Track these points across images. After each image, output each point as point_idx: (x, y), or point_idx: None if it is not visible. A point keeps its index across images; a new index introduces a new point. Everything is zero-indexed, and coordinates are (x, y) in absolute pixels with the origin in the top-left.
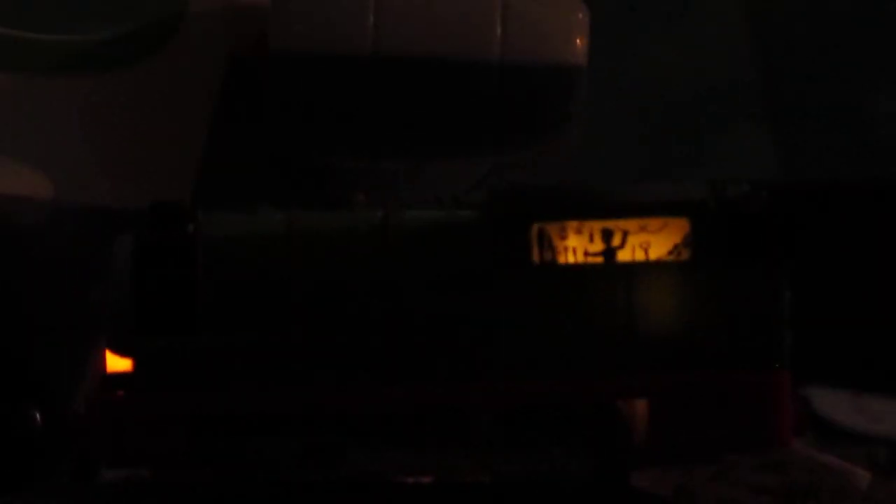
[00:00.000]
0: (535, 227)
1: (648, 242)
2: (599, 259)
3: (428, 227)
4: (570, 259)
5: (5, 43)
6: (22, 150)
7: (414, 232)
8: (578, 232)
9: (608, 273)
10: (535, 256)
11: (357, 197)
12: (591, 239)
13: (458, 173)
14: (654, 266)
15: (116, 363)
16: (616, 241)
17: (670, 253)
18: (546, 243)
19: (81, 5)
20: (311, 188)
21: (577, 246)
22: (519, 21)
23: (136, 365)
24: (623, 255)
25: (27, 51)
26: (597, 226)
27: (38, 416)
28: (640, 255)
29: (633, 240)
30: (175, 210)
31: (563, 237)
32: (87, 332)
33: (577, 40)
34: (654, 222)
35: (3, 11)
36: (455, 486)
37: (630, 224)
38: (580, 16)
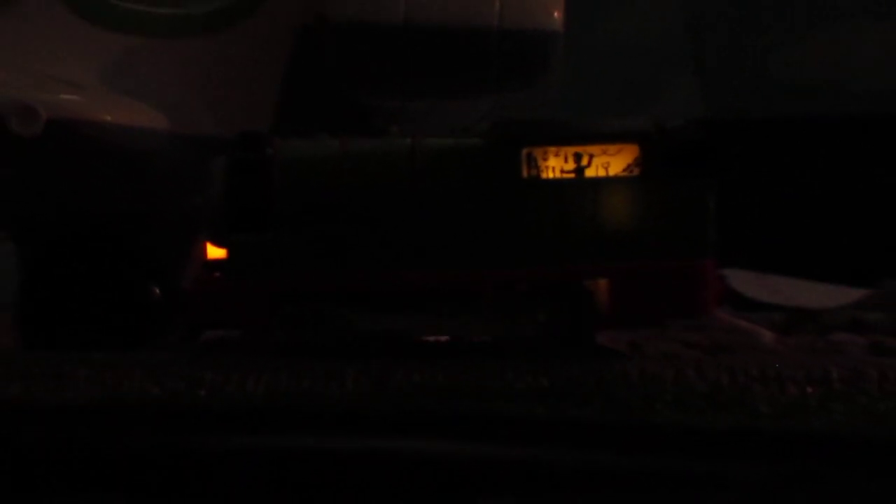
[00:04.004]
0: (524, 151)
1: (608, 163)
2: (572, 175)
3: (445, 150)
4: (550, 175)
5: (134, 15)
6: (145, 94)
7: (434, 154)
8: (556, 155)
9: (578, 185)
10: (524, 173)
11: (392, 129)
12: (566, 160)
13: (467, 111)
14: (612, 180)
15: (214, 252)
16: (584, 161)
17: (624, 170)
18: (532, 163)
19: None
20: (358, 123)
21: (555, 165)
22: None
23: (229, 253)
24: (589, 172)
25: (149, 21)
26: (570, 150)
27: (157, 290)
28: (602, 172)
29: (597, 161)
30: (257, 137)
31: (545, 159)
32: (193, 229)
33: (556, 13)
34: (612, 147)
35: None
36: (464, 344)
37: (595, 149)
38: None
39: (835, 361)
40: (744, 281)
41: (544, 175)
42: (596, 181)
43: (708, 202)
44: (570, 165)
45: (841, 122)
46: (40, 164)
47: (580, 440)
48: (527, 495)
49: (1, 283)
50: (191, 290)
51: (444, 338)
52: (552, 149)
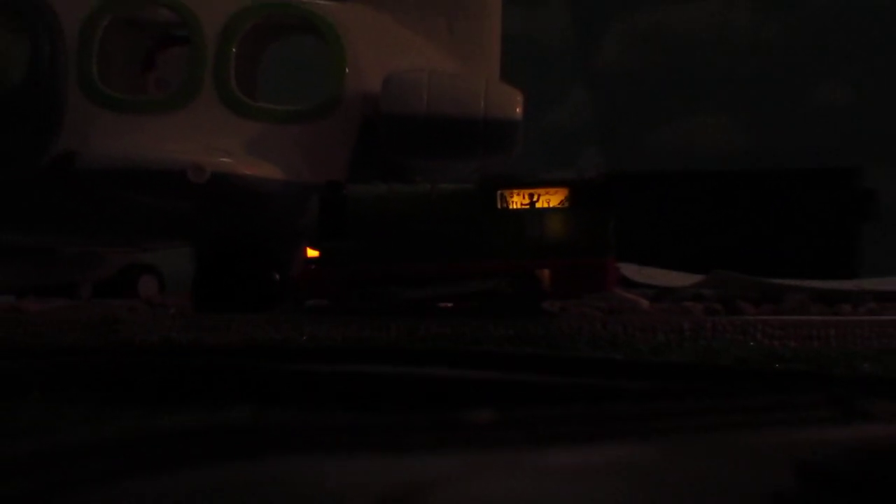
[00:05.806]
0: (499, 192)
1: (550, 199)
2: (528, 206)
3: (450, 192)
4: (515, 206)
5: (264, 110)
6: (270, 157)
7: (444, 194)
8: (518, 194)
9: (531, 213)
10: (499, 205)
11: (417, 178)
12: (524, 197)
13: (463, 168)
14: (552, 210)
15: (312, 252)
16: (535, 198)
17: (559, 204)
18: (503, 199)
19: (296, 105)
20: (397, 175)
21: (517, 200)
22: (492, 101)
23: (321, 253)
24: (539, 205)
25: (273, 114)
26: (526, 191)
27: (277, 276)
28: (546, 204)
29: (542, 198)
30: (338, 184)
31: (511, 197)
32: (298, 238)
33: (518, 109)
34: (552, 189)
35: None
36: (462, 308)
37: (541, 190)
38: (519, 97)
39: (685, 319)
40: (631, 270)
41: (511, 207)
42: (542, 210)
43: (610, 223)
44: (526, 200)
45: (693, 175)
46: (208, 201)
47: (532, 367)
48: (500, 402)
49: (186, 271)
50: (297, 275)
51: (449, 304)
52: (515, 190)
